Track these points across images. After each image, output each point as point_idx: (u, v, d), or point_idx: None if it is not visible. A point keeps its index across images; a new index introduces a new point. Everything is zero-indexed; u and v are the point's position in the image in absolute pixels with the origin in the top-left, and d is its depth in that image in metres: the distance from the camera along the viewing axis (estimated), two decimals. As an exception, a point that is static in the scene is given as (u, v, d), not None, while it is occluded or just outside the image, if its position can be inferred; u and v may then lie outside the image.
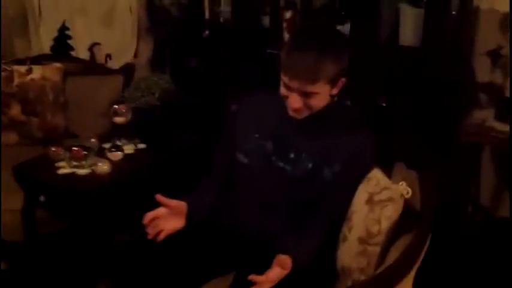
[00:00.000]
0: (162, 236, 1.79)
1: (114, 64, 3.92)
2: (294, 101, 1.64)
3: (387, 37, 2.95)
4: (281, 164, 1.76)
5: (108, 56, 3.99)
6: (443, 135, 2.77)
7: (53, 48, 3.62)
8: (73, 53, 3.73)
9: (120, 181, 2.36)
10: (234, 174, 1.92)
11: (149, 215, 1.81)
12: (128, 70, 3.11)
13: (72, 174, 2.34)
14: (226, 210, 1.93)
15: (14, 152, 2.92)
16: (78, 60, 3.32)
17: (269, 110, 1.86)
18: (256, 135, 1.85)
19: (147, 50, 4.17)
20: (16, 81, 3.14)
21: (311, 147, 1.75)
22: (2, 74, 3.14)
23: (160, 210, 1.83)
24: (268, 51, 3.09)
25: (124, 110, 2.55)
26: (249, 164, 1.88)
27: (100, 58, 3.91)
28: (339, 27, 2.83)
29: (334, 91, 1.69)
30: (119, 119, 2.56)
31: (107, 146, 2.57)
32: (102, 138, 2.57)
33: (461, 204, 2.89)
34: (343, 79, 1.67)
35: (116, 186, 2.33)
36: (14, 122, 3.13)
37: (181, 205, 1.87)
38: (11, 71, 3.15)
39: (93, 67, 3.25)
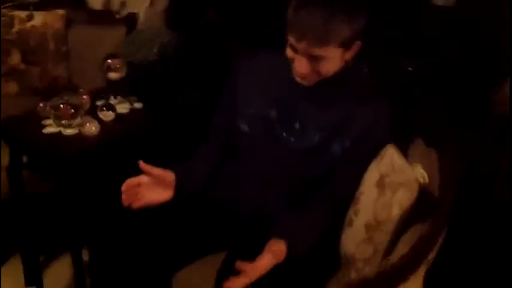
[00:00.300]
0: (137, 205, 1.64)
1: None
2: (301, 65, 1.48)
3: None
4: (285, 135, 1.62)
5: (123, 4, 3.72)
6: (473, 105, 2.46)
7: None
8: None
9: (110, 144, 2.16)
10: (234, 143, 1.78)
11: (129, 181, 1.66)
12: (130, 21, 2.83)
13: (58, 133, 2.14)
14: (222, 182, 1.78)
15: (13, 103, 2.75)
16: (81, 7, 3.05)
17: (275, 72, 1.67)
18: (259, 100, 1.68)
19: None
20: (16, 27, 2.95)
21: (319, 118, 1.60)
22: (2, 19, 2.93)
23: (143, 178, 1.68)
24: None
25: (118, 65, 2.32)
26: (249, 132, 1.71)
27: (114, 5, 3.66)
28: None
29: (348, 56, 1.52)
30: (113, 75, 2.34)
31: (100, 103, 2.35)
32: (96, 95, 2.33)
33: (487, 182, 2.60)
34: (359, 42, 1.50)
35: (104, 149, 2.13)
36: (13, 70, 2.96)
37: (167, 175, 1.70)
38: (12, 16, 2.94)
39: (96, 15, 2.99)
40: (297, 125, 1.60)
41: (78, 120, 2.19)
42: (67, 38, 3.01)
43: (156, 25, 3.52)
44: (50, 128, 2.18)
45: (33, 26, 2.96)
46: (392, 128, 1.66)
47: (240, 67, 1.79)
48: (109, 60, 2.33)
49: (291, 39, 1.46)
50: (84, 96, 2.31)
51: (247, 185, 1.69)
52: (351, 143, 1.57)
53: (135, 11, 3.69)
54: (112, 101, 2.39)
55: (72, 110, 2.18)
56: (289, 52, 1.50)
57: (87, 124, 2.14)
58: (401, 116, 1.85)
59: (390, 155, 1.50)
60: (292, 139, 1.61)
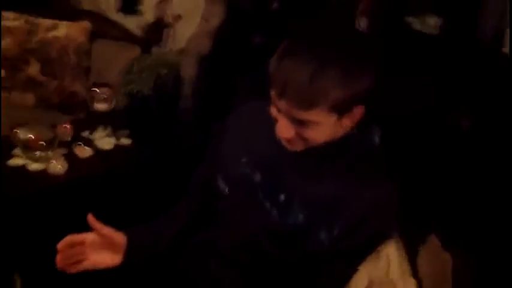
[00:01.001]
0: (75, 269, 1.34)
1: (184, 27, 3.43)
2: (282, 128, 1.18)
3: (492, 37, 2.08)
4: (268, 205, 1.32)
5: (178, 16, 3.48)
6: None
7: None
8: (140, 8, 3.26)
9: (79, 186, 1.86)
10: (212, 206, 1.47)
11: (71, 239, 1.35)
12: (145, 40, 2.54)
13: (22, 167, 1.88)
14: (185, 251, 1.48)
15: (29, 115, 2.56)
16: (107, 20, 2.81)
17: (264, 128, 1.33)
18: (244, 160, 1.37)
19: (217, 15, 3.58)
20: (38, 36, 2.74)
21: (306, 194, 1.29)
22: (26, 25, 2.76)
23: (89, 236, 1.37)
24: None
25: (106, 95, 2.03)
26: (229, 195, 1.40)
27: (169, 18, 3.42)
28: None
29: (347, 122, 1.18)
30: (99, 106, 2.05)
31: (85, 134, 2.08)
32: (82, 125, 2.06)
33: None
34: (361, 107, 1.17)
35: (70, 192, 1.83)
36: (31, 81, 2.76)
37: (118, 238, 1.40)
38: (35, 24, 2.75)
39: (119, 30, 2.73)
40: (282, 197, 1.31)
41: (49, 153, 1.91)
42: (90, 52, 2.77)
43: (199, 44, 3.27)
44: (17, 159, 1.92)
45: (55, 37, 2.75)
46: (400, 220, 1.30)
47: (227, 118, 1.50)
48: (95, 89, 2.04)
49: (273, 95, 1.17)
50: (66, 126, 2.04)
51: (209, 262, 1.41)
52: (341, 231, 1.25)
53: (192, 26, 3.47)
54: (96, 134, 2.09)
55: (42, 143, 1.90)
56: (272, 109, 1.20)
57: (52, 161, 1.86)
58: (416, 205, 1.42)
59: (387, 256, 1.23)
60: (275, 212, 1.31)
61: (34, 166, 1.90)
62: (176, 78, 2.04)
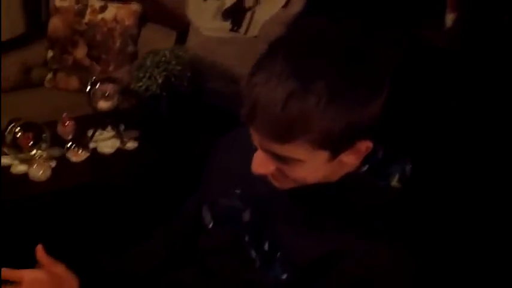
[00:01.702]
0: None
1: (263, 12, 3.11)
2: (257, 162, 0.90)
3: None
4: (252, 253, 1.05)
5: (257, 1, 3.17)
6: None
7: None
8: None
9: (56, 198, 1.61)
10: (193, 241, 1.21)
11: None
12: (181, 22, 2.22)
13: (5, 168, 1.66)
14: None
15: (71, 100, 2.40)
16: (158, 3, 2.52)
17: None
18: (238, 191, 1.07)
19: (298, 2, 3.19)
20: (87, 18, 2.54)
21: (292, 246, 1.00)
22: (76, 7, 2.57)
23: (30, 275, 1.05)
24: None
25: (109, 93, 1.74)
26: (212, 232, 1.11)
27: (248, 1, 3.12)
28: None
29: (349, 159, 0.89)
30: (102, 104, 1.78)
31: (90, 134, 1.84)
32: (89, 123, 1.81)
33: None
34: (367, 142, 0.87)
35: (45, 205, 1.60)
36: (76, 65, 2.58)
37: (66, 277, 1.07)
38: (85, 5, 2.55)
39: (168, 15, 2.43)
40: (266, 246, 1.03)
41: (36, 155, 1.68)
42: (137, 37, 2.51)
43: (272, 31, 2.90)
44: (5, 158, 1.71)
45: (103, 19, 2.53)
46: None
47: (220, 143, 1.20)
48: (99, 85, 1.76)
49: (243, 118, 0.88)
50: (68, 123, 1.79)
51: None
52: None
53: (269, 9, 3.15)
54: (102, 134, 1.83)
55: (31, 141, 1.67)
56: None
57: (34, 166, 1.62)
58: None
59: None
60: (258, 263, 1.03)
61: (18, 168, 1.67)
62: (193, 77, 1.68)
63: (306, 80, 0.76)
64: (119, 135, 1.82)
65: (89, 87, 1.77)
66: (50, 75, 2.63)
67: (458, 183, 1.23)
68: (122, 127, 1.95)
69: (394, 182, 1.03)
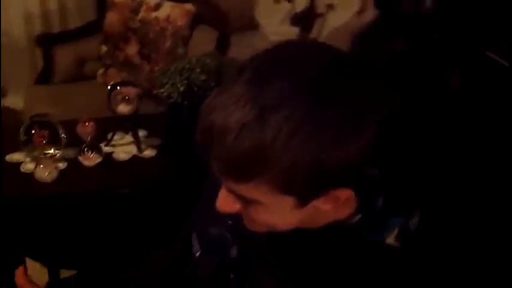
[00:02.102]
0: None
1: (335, 18, 2.97)
2: (221, 198, 0.77)
3: None
4: None
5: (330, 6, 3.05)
6: None
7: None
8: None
9: (66, 202, 1.54)
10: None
11: None
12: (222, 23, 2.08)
13: (15, 165, 1.61)
14: None
15: None
16: (213, 5, 2.40)
17: None
18: (230, 222, 0.94)
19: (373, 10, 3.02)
20: (141, 15, 2.47)
21: None
22: (131, 2, 2.51)
23: None
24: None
25: (129, 96, 1.64)
26: (198, 261, 1.00)
27: (319, 6, 3.00)
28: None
29: (325, 207, 0.75)
30: (122, 108, 1.68)
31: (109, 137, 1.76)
32: (111, 125, 1.72)
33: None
34: (346, 191, 0.73)
35: (48, 209, 1.53)
36: (128, 62, 2.53)
37: None
38: (140, 3, 2.48)
39: (220, 17, 2.31)
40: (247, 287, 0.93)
41: (50, 153, 1.61)
42: (188, 39, 2.41)
43: (338, 40, 2.74)
44: (17, 155, 1.65)
45: (156, 18, 2.45)
46: None
47: None
48: (118, 88, 1.66)
49: None
50: (88, 124, 1.71)
51: None
52: None
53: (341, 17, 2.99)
54: (122, 139, 1.73)
55: (43, 140, 1.60)
56: None
57: (40, 166, 1.55)
58: None
59: None
60: None
61: (27, 166, 1.60)
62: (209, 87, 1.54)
63: (264, 108, 0.64)
64: (136, 141, 1.71)
65: (108, 90, 1.66)
66: (101, 70, 2.59)
67: (480, 250, 0.98)
68: (144, 133, 1.84)
69: (390, 239, 0.83)
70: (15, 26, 2.87)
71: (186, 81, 1.60)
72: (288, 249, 0.83)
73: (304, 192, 0.70)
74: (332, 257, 0.81)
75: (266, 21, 3.19)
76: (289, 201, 0.71)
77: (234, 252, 0.93)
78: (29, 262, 1.54)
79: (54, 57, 2.53)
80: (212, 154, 0.68)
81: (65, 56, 2.56)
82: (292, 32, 3.20)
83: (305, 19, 3.26)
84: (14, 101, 2.93)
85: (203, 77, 1.59)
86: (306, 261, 0.83)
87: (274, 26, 3.19)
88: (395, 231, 0.81)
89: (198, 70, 1.61)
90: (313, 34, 3.33)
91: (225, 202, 0.76)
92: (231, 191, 0.73)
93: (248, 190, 0.70)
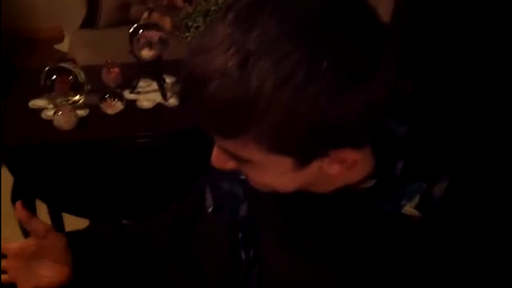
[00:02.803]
0: None
1: None
2: (214, 154, 0.73)
3: None
4: (243, 255, 0.89)
5: None
6: None
7: None
8: None
9: (79, 150, 1.49)
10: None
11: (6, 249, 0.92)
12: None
13: (37, 111, 1.57)
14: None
15: None
16: None
17: None
18: (242, 177, 0.88)
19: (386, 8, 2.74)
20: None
21: (270, 261, 0.83)
22: None
23: (14, 245, 0.90)
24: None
25: (153, 40, 1.55)
26: (209, 218, 0.95)
27: None
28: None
29: (332, 169, 0.67)
30: (145, 53, 1.58)
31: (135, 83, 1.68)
32: (133, 71, 1.64)
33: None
34: (353, 154, 0.65)
35: (65, 157, 1.48)
36: (171, 5, 2.42)
37: (53, 238, 0.91)
38: None
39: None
40: (251, 253, 0.87)
41: (68, 101, 1.56)
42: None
43: None
44: (39, 101, 1.61)
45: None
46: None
47: None
48: (141, 31, 1.56)
49: None
50: (112, 70, 1.63)
51: None
52: None
53: None
54: (147, 85, 1.65)
55: (65, 86, 1.54)
56: None
57: (59, 113, 1.49)
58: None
59: None
60: (242, 271, 0.88)
61: (48, 113, 1.55)
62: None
63: (249, 53, 0.56)
64: (160, 88, 1.60)
65: (130, 33, 1.55)
66: (145, 14, 2.49)
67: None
68: (172, 79, 1.73)
69: (409, 208, 0.72)
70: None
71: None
72: (294, 211, 0.77)
73: (299, 152, 0.63)
74: (337, 224, 0.73)
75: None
76: (285, 161, 0.64)
77: (244, 210, 0.87)
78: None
79: (99, 1, 2.45)
80: (194, 105, 0.61)
81: (109, 0, 2.48)
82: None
83: None
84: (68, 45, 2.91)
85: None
86: (310, 226, 0.76)
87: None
88: (416, 200, 0.70)
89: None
90: None
91: (218, 158, 0.69)
92: (221, 147, 0.67)
93: (237, 148, 0.63)
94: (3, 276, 0.89)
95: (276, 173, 0.67)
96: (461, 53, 2.10)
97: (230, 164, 0.70)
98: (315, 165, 0.65)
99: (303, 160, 0.64)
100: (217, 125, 0.62)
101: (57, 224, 1.58)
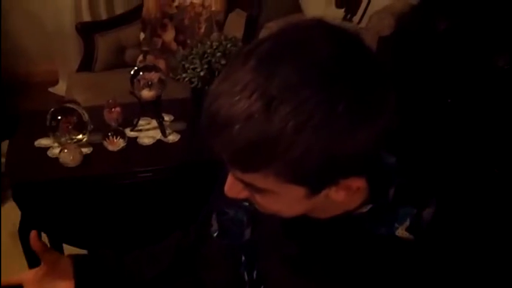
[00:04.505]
0: None
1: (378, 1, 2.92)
2: (229, 184, 0.77)
3: None
4: (245, 276, 0.97)
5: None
6: None
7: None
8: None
9: (84, 186, 1.57)
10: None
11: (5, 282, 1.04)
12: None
13: (43, 150, 1.66)
14: None
15: None
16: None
17: None
18: (246, 204, 0.95)
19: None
20: (177, 1, 2.47)
21: (275, 283, 0.91)
22: (168, -12, 2.51)
23: (28, 275, 1.02)
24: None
25: (152, 81, 1.65)
26: (214, 243, 1.03)
27: None
28: None
29: (337, 196, 0.73)
30: (145, 93, 1.68)
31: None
32: (136, 110, 1.74)
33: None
34: (358, 182, 0.72)
35: (70, 192, 1.56)
36: (165, 48, 2.54)
37: (61, 262, 1.03)
38: (177, -13, 2.48)
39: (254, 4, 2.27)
40: (255, 274, 0.95)
41: (72, 140, 1.65)
42: (223, 24, 2.39)
43: (381, 22, 2.68)
44: (46, 140, 1.70)
45: (191, 4, 2.44)
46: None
47: None
48: (141, 73, 1.66)
49: None
50: (113, 109, 1.73)
51: None
52: None
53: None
54: (147, 123, 1.75)
55: (69, 126, 1.63)
56: None
57: (65, 151, 1.58)
58: None
59: None
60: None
61: (54, 151, 1.64)
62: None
63: (272, 98, 0.61)
64: (160, 126, 1.70)
65: (131, 75, 1.66)
66: (140, 57, 2.60)
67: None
68: (171, 118, 1.84)
69: (401, 230, 0.79)
70: (65, 15, 2.94)
71: (206, 66, 1.57)
72: (297, 235, 0.82)
73: (314, 182, 0.68)
74: (337, 246, 0.79)
75: (311, 3, 3.12)
76: (300, 190, 0.69)
77: (247, 234, 0.93)
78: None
79: (95, 45, 2.56)
80: (217, 143, 0.66)
81: (105, 44, 2.59)
82: (338, 15, 3.13)
83: (350, 1, 3.17)
84: (63, 88, 3.00)
85: (224, 62, 1.56)
86: (312, 249, 0.81)
87: (319, 8, 3.12)
88: (407, 223, 0.77)
89: (219, 54, 1.58)
90: (357, 16, 3.23)
91: (232, 188, 0.74)
92: (238, 179, 0.71)
93: (256, 179, 0.67)
94: None
95: (288, 201, 0.71)
96: (440, 88, 2.24)
97: (244, 193, 0.75)
98: (324, 193, 0.70)
99: (315, 189, 0.69)
100: (239, 162, 0.66)
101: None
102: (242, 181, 0.72)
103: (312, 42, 0.65)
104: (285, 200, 0.72)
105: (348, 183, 0.70)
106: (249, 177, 0.69)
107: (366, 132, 0.64)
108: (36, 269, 1.00)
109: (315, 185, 0.69)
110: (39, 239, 0.96)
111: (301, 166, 0.64)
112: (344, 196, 0.72)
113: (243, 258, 0.95)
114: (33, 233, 0.96)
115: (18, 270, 1.08)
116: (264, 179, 0.67)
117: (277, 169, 0.64)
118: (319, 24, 0.68)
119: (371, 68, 0.66)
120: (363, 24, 3.03)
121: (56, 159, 1.61)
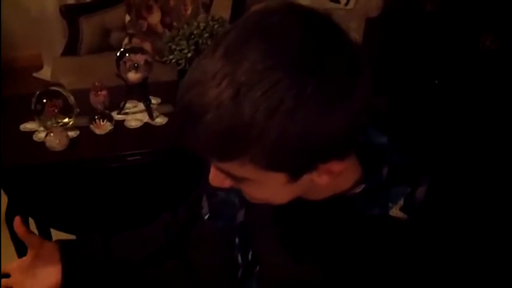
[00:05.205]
0: None
1: None
2: (212, 174, 0.76)
3: None
4: (239, 259, 0.96)
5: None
6: None
7: None
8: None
9: (70, 170, 1.54)
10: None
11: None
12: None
13: (29, 134, 1.63)
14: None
15: None
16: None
17: None
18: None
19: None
20: (163, -18, 2.43)
21: (269, 262, 0.90)
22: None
23: (14, 265, 1.02)
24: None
25: (138, 63, 1.63)
26: (205, 225, 1.01)
27: None
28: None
29: (321, 180, 0.72)
30: (132, 76, 1.66)
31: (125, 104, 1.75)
32: (123, 93, 1.71)
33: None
34: (339, 165, 0.70)
35: (57, 176, 1.54)
36: (151, 31, 2.51)
37: (47, 247, 1.01)
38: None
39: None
40: (250, 255, 0.93)
41: (58, 123, 1.62)
42: (210, 6, 2.36)
43: (369, 3, 2.67)
44: (32, 124, 1.67)
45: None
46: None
47: None
48: (127, 54, 1.64)
49: None
50: (100, 92, 1.70)
51: None
52: None
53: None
54: (134, 106, 1.73)
55: (55, 109, 1.61)
56: None
57: (51, 135, 1.55)
58: None
59: None
60: (240, 272, 0.94)
61: (39, 135, 1.61)
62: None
63: (240, 84, 0.60)
64: (147, 109, 1.68)
65: (116, 57, 1.64)
66: (126, 40, 2.57)
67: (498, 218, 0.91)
68: (158, 100, 1.82)
69: (395, 210, 0.78)
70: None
71: (193, 47, 1.55)
72: (291, 218, 0.82)
73: (292, 168, 0.68)
74: (331, 227, 0.79)
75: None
76: (279, 177, 0.68)
77: (240, 216, 0.92)
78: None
79: (80, 29, 2.53)
80: (193, 133, 0.65)
81: (90, 27, 2.55)
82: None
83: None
84: (47, 73, 2.97)
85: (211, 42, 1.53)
86: (306, 231, 0.81)
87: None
88: (400, 203, 0.77)
89: (206, 35, 1.56)
90: (344, -2, 3.22)
91: (215, 178, 0.73)
92: (218, 169, 0.71)
93: (234, 168, 0.67)
94: None
95: (270, 188, 0.71)
96: (427, 69, 2.24)
97: (227, 182, 0.74)
98: (306, 178, 0.69)
99: (294, 175, 0.68)
100: (214, 152, 0.66)
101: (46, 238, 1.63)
102: (222, 170, 0.71)
103: (280, 26, 0.64)
104: (268, 188, 0.71)
105: (328, 167, 0.69)
106: (227, 166, 0.68)
107: (340, 114, 0.63)
108: (23, 258, 0.99)
109: (293, 170, 0.68)
110: (23, 224, 0.96)
111: (277, 152, 0.63)
112: (328, 180, 0.71)
113: (237, 240, 0.95)
114: (17, 219, 0.96)
115: (5, 257, 1.07)
116: (242, 168, 0.66)
117: (252, 156, 0.64)
118: (288, 7, 0.67)
119: (342, 48, 0.65)
120: (350, 5, 3.01)
121: (42, 143, 1.59)
